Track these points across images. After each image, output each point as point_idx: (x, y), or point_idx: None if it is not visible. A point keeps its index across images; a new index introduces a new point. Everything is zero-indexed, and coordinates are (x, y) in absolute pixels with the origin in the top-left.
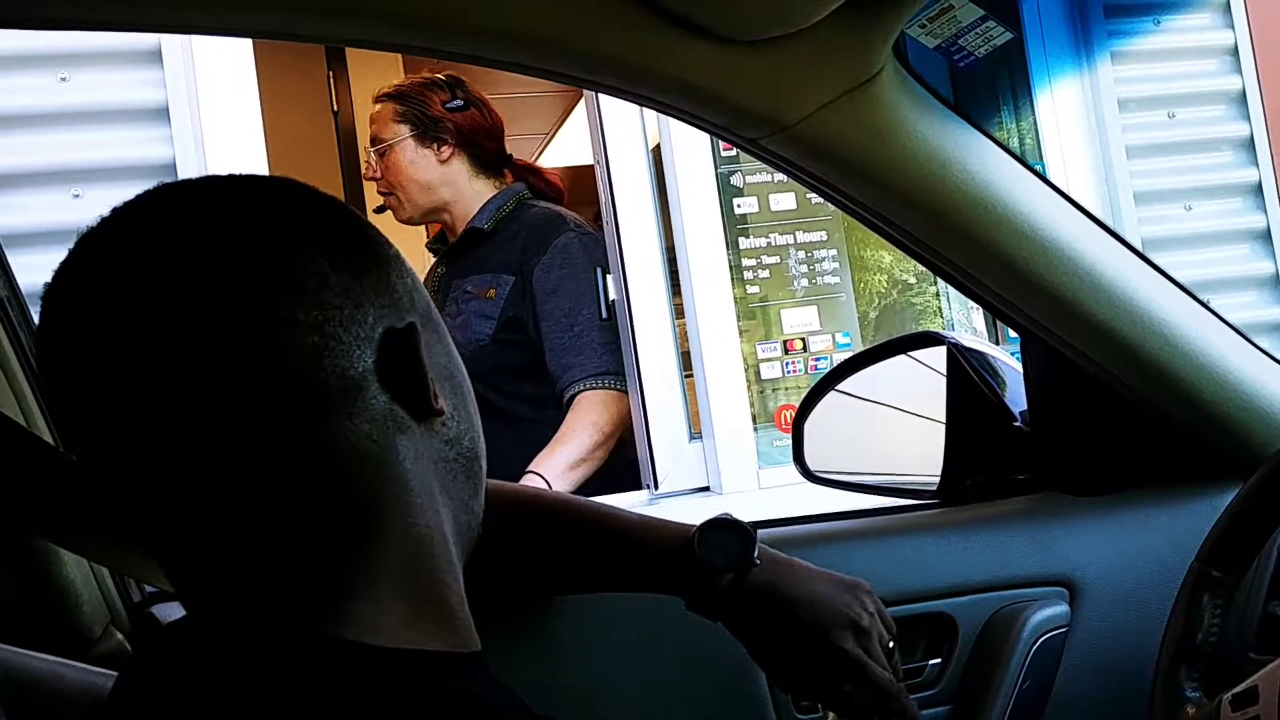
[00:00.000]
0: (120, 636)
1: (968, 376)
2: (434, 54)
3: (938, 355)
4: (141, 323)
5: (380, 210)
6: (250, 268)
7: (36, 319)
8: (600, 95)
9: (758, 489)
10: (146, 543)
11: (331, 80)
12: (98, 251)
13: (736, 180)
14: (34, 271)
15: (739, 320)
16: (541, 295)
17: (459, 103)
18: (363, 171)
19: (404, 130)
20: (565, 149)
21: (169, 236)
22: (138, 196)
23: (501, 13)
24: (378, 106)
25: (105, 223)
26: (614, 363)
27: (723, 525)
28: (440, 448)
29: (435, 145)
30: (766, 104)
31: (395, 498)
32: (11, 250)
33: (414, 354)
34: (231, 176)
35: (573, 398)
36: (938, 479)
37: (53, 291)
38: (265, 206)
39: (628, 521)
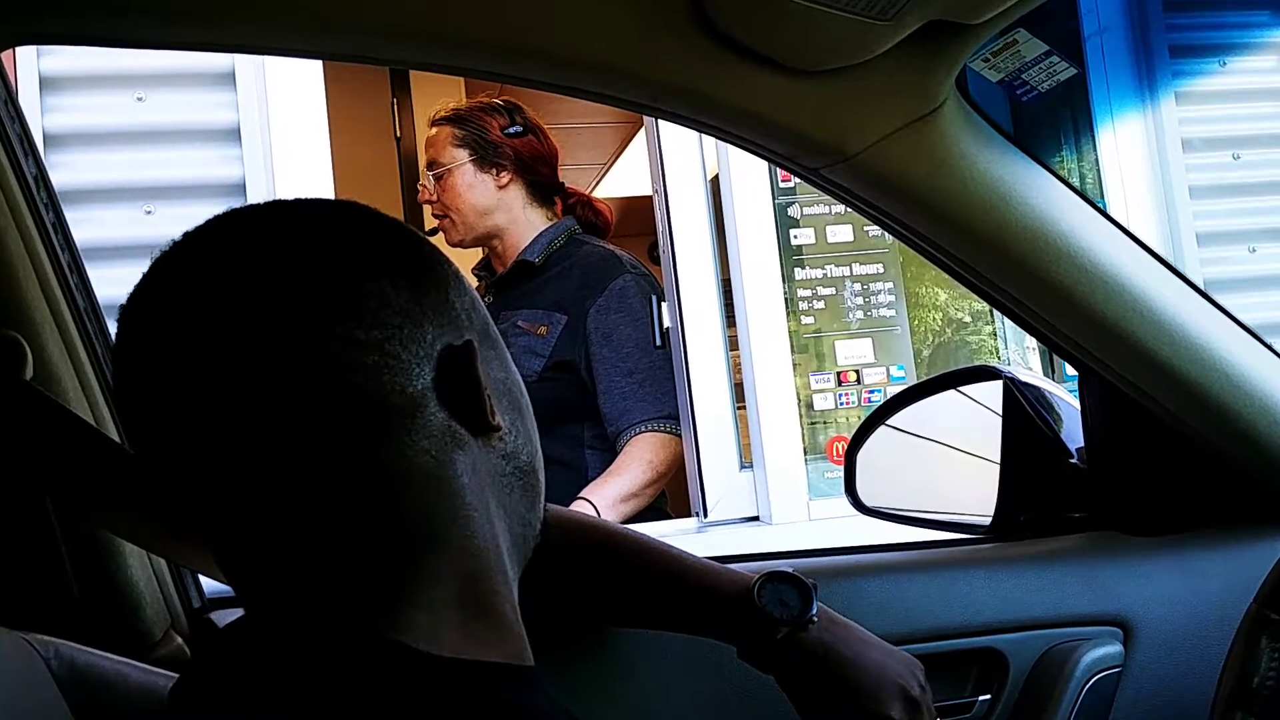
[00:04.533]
0: (180, 640)
1: (1024, 411)
2: (501, 79)
3: (990, 391)
4: (209, 343)
5: (433, 233)
6: (313, 291)
7: (111, 330)
8: (660, 126)
9: (808, 520)
10: (210, 544)
11: (395, 107)
12: (169, 274)
13: (794, 212)
14: (107, 284)
15: (793, 352)
16: (597, 338)
17: (518, 128)
18: (419, 195)
19: (463, 155)
20: (622, 180)
21: (236, 260)
22: (208, 221)
23: (568, 39)
24: (434, 130)
25: (177, 246)
26: (674, 407)
27: (783, 578)
28: (497, 463)
29: (494, 171)
30: (829, 134)
31: (452, 511)
32: (86, 263)
33: (471, 370)
34: (297, 201)
35: (630, 439)
36: (989, 518)
37: (127, 312)
38: (328, 230)
39: (690, 564)
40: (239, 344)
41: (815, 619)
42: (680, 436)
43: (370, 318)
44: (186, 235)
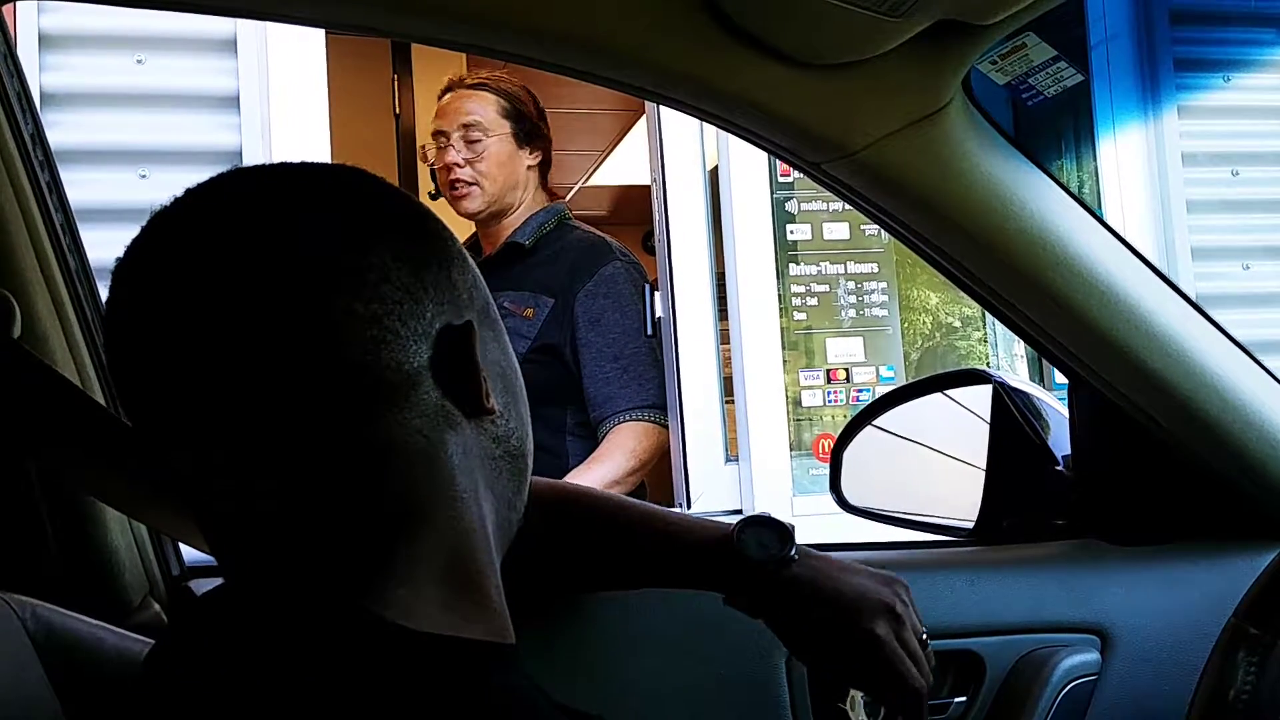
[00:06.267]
0: (157, 607)
1: (1012, 416)
2: (506, 57)
3: (978, 396)
4: (204, 305)
5: (435, 196)
6: (314, 259)
7: (103, 293)
8: (661, 114)
9: (791, 516)
10: (193, 511)
11: (395, 84)
12: (169, 231)
13: (791, 207)
14: (99, 247)
15: (783, 347)
16: (585, 323)
17: (541, 111)
18: (440, 156)
19: (508, 125)
20: (620, 167)
21: (237, 223)
22: (212, 179)
23: (576, 20)
24: (470, 93)
25: (178, 203)
26: (658, 396)
27: (762, 522)
28: (488, 445)
29: (528, 149)
30: (833, 129)
31: (440, 491)
32: (78, 225)
33: (469, 352)
34: (304, 164)
35: (613, 426)
36: (972, 521)
37: (123, 267)
38: (334, 198)
39: (668, 518)
40: (235, 310)
41: (795, 557)
42: (663, 426)
43: (370, 291)
44: (189, 192)
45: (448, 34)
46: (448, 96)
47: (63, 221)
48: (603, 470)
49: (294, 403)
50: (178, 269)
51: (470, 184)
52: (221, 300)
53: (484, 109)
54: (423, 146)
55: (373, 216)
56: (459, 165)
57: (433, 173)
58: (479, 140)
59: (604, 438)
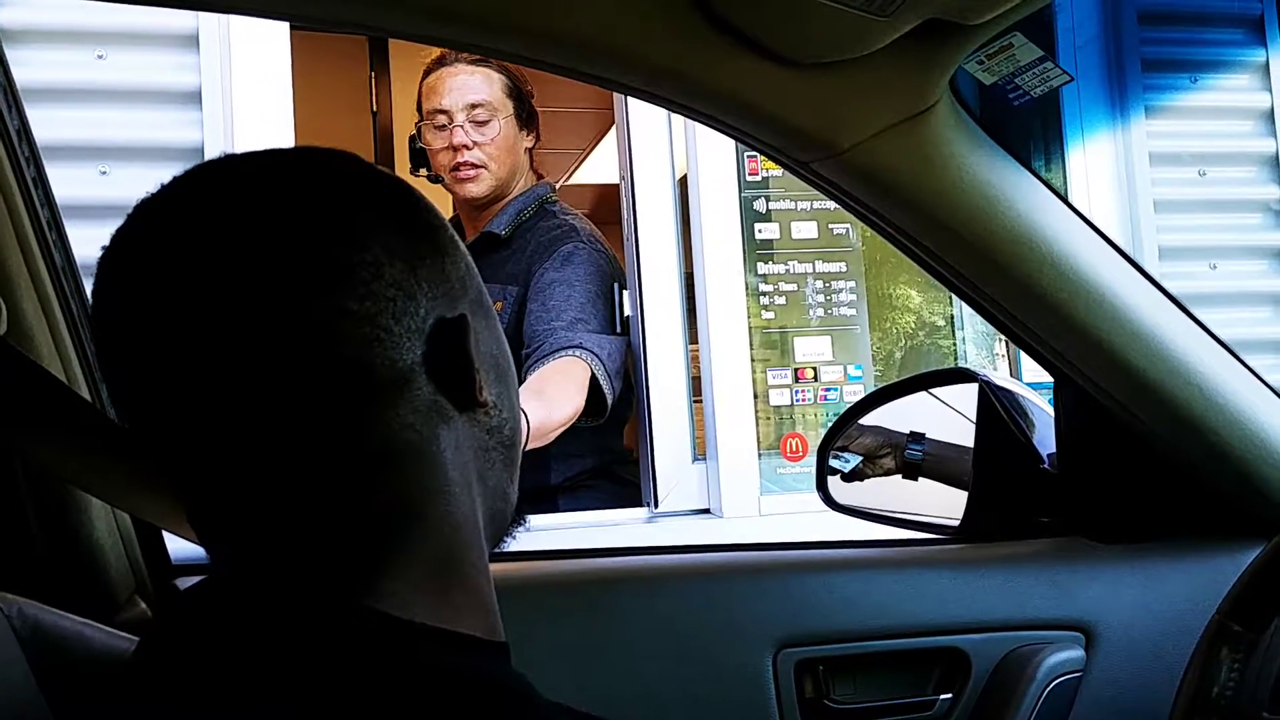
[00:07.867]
0: (144, 605)
1: (998, 415)
2: (492, 53)
3: (965, 394)
4: (194, 298)
5: (436, 180)
6: (307, 255)
7: (88, 288)
8: (630, 113)
9: (758, 515)
10: (185, 505)
11: (372, 81)
12: (156, 220)
13: (760, 206)
14: None
15: (751, 346)
16: (531, 294)
17: (531, 91)
18: (453, 139)
19: (511, 106)
20: (602, 165)
21: (228, 214)
22: (199, 166)
23: (564, 17)
24: (478, 70)
25: (166, 190)
26: (594, 344)
27: None
28: (481, 437)
29: (526, 130)
30: (821, 128)
31: (432, 486)
32: None
33: (463, 346)
34: (296, 151)
35: (556, 360)
36: (958, 519)
37: (109, 258)
38: (326, 189)
39: None
40: (226, 307)
41: None
42: (593, 370)
43: (363, 288)
44: (177, 181)
45: (430, 31)
46: (442, 71)
47: (49, 217)
48: (552, 409)
49: (285, 399)
50: (167, 262)
51: (478, 167)
52: (213, 296)
53: (490, 88)
54: (417, 125)
55: (365, 209)
56: (466, 147)
57: (417, 153)
58: (489, 121)
59: (540, 369)
